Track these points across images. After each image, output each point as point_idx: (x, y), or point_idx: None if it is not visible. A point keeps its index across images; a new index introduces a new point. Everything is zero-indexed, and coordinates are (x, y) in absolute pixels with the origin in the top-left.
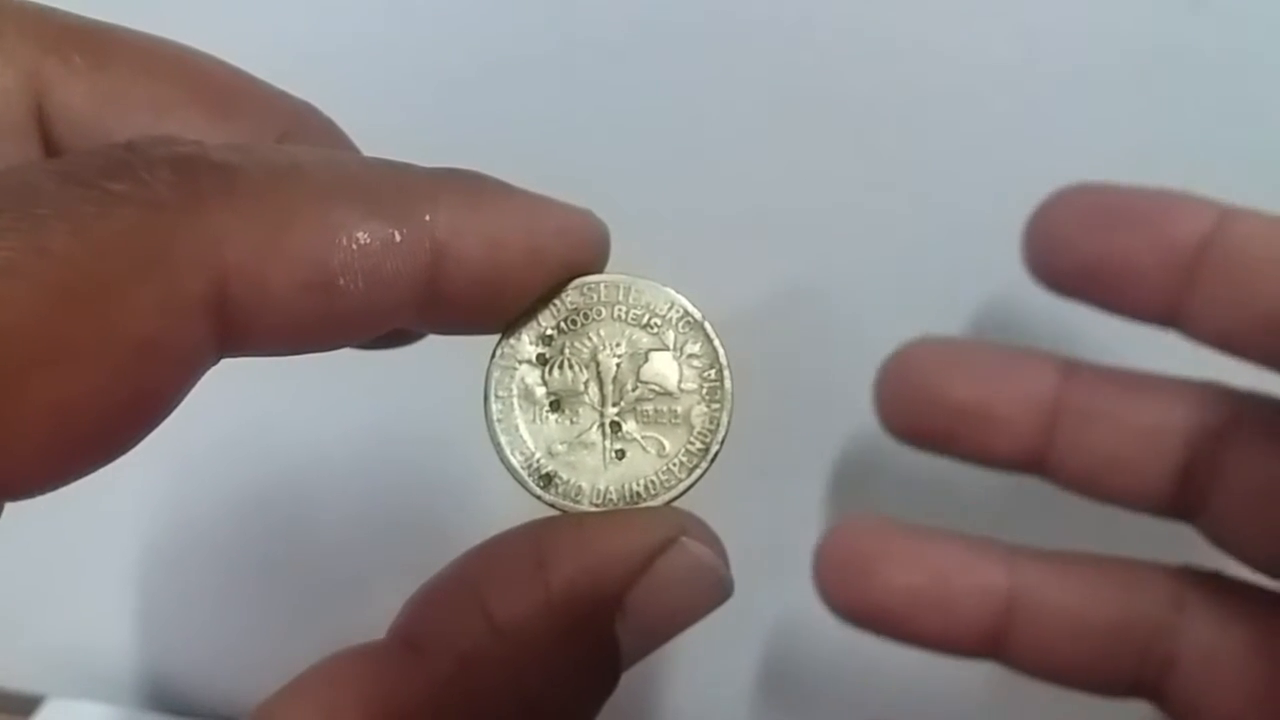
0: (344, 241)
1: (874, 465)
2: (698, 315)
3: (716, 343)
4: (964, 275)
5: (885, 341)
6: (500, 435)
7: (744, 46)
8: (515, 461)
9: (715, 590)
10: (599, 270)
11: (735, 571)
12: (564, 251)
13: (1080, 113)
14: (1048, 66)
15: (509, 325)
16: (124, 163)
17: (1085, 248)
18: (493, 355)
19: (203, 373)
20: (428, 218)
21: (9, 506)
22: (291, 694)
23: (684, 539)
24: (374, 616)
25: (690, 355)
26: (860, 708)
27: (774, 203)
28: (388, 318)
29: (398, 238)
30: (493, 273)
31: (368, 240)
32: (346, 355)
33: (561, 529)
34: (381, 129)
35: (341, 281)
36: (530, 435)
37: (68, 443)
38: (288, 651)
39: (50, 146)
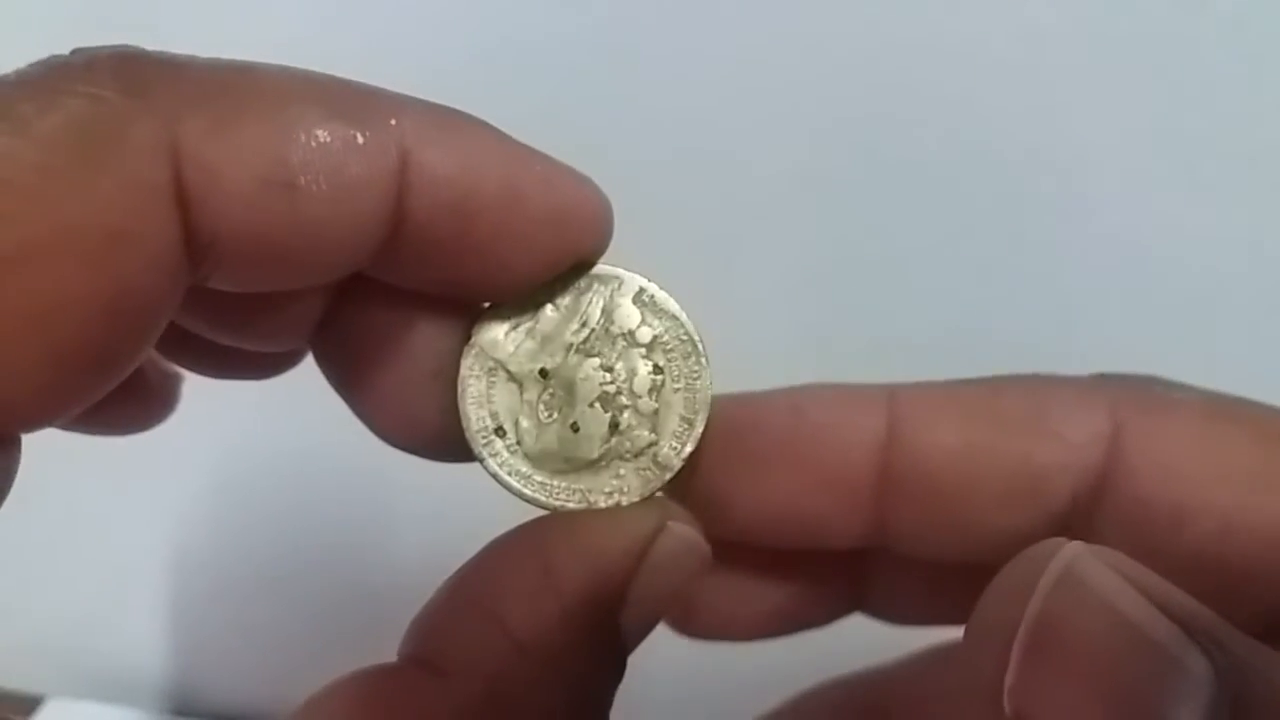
0: (302, 137)
1: None
2: (697, 341)
3: (708, 382)
4: (964, 275)
5: (886, 339)
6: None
7: (744, 46)
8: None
9: (700, 567)
10: (596, 242)
11: None
12: (548, 202)
13: (1080, 113)
14: (1048, 66)
15: (489, 311)
16: (64, 64)
17: (743, 499)
18: (470, 339)
19: (179, 280)
20: (393, 123)
21: (9, 505)
22: (309, 718)
23: (670, 522)
24: (377, 617)
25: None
26: None
27: (774, 202)
28: (353, 237)
29: (360, 139)
30: (464, 201)
31: (328, 138)
32: None
33: (559, 532)
34: None
35: (302, 180)
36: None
37: (59, 349)
38: (288, 652)
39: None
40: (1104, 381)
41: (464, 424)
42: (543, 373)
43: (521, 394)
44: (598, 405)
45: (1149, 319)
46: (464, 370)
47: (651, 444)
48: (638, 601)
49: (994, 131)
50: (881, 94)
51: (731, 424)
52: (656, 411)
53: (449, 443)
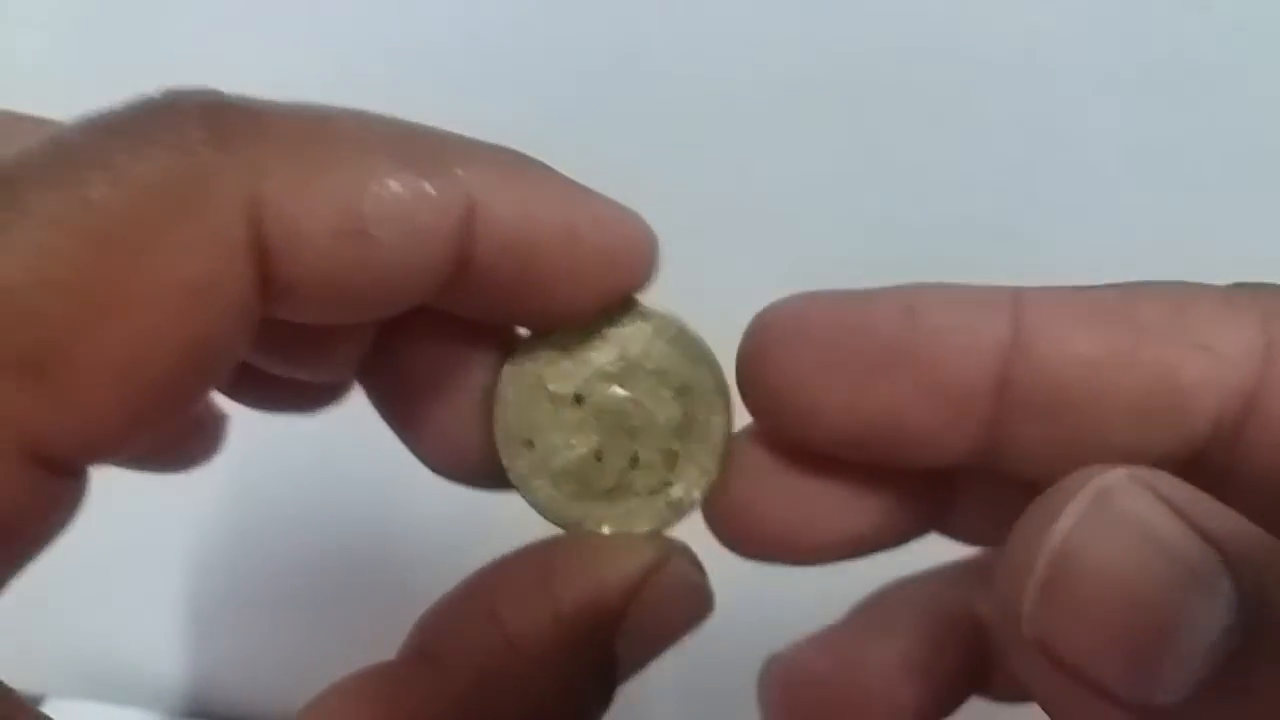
0: (376, 189)
1: None
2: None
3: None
4: (962, 273)
5: None
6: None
7: (745, 47)
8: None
9: (700, 606)
10: (644, 276)
11: (731, 586)
12: (602, 242)
13: (1080, 112)
14: (1049, 66)
15: (540, 334)
16: (153, 110)
17: (840, 404)
18: (514, 356)
19: (253, 325)
20: (461, 173)
21: None
22: (313, 715)
23: (674, 558)
24: (379, 618)
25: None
26: None
27: (773, 201)
28: (420, 279)
29: (430, 190)
30: (525, 244)
31: (400, 190)
32: None
33: (569, 548)
34: None
35: (374, 230)
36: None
37: (134, 395)
38: (289, 652)
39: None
40: (1252, 290)
41: (496, 432)
42: (577, 398)
43: (554, 414)
44: (623, 437)
45: None
46: (503, 383)
47: (666, 485)
48: (633, 630)
49: (994, 131)
50: (881, 94)
51: (834, 323)
52: (677, 455)
53: (493, 472)
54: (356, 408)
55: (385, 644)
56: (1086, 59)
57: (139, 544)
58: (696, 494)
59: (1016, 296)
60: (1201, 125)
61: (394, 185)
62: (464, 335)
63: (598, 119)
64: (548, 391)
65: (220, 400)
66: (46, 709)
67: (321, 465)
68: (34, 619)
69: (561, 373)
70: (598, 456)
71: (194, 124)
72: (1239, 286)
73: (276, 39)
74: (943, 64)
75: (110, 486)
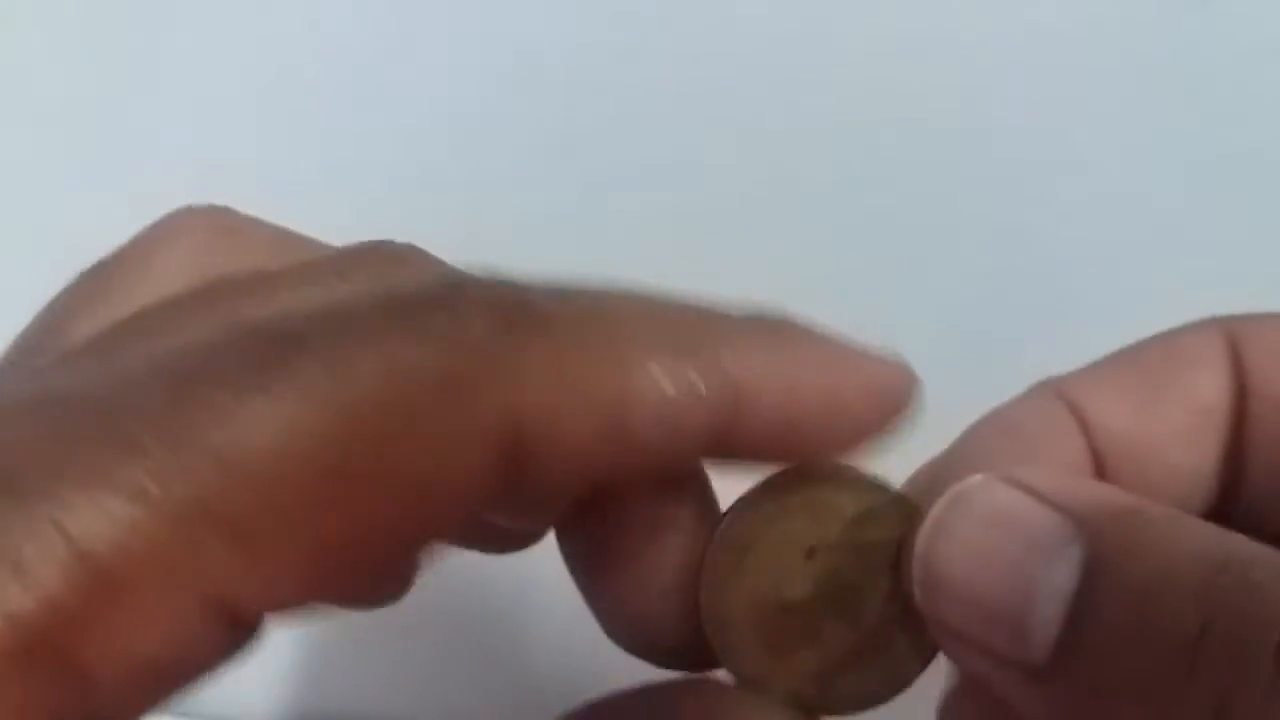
0: (644, 385)
1: None
2: None
3: None
4: (964, 275)
5: (885, 338)
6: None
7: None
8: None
9: None
10: (899, 425)
11: None
12: (867, 411)
13: (1081, 112)
14: (1048, 66)
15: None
16: (443, 299)
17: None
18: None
19: (478, 511)
20: (728, 358)
21: None
22: None
23: None
24: (380, 618)
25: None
26: None
27: (773, 201)
28: (673, 465)
29: (700, 388)
30: (786, 424)
31: (669, 389)
32: None
33: (694, 706)
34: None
35: (639, 430)
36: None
37: (340, 574)
38: (288, 653)
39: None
40: (1206, 319)
41: (712, 601)
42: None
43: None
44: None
45: (1148, 319)
46: (731, 542)
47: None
48: None
49: (994, 131)
50: (881, 94)
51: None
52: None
53: (685, 648)
54: None
55: (385, 643)
56: (1086, 59)
57: None
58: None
59: (1056, 388)
60: (1201, 125)
61: (664, 382)
62: (673, 503)
63: (598, 118)
64: (800, 549)
65: None
66: None
67: None
68: None
69: (808, 530)
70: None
71: (478, 320)
72: (1199, 320)
73: (280, 40)
74: (943, 64)
75: None
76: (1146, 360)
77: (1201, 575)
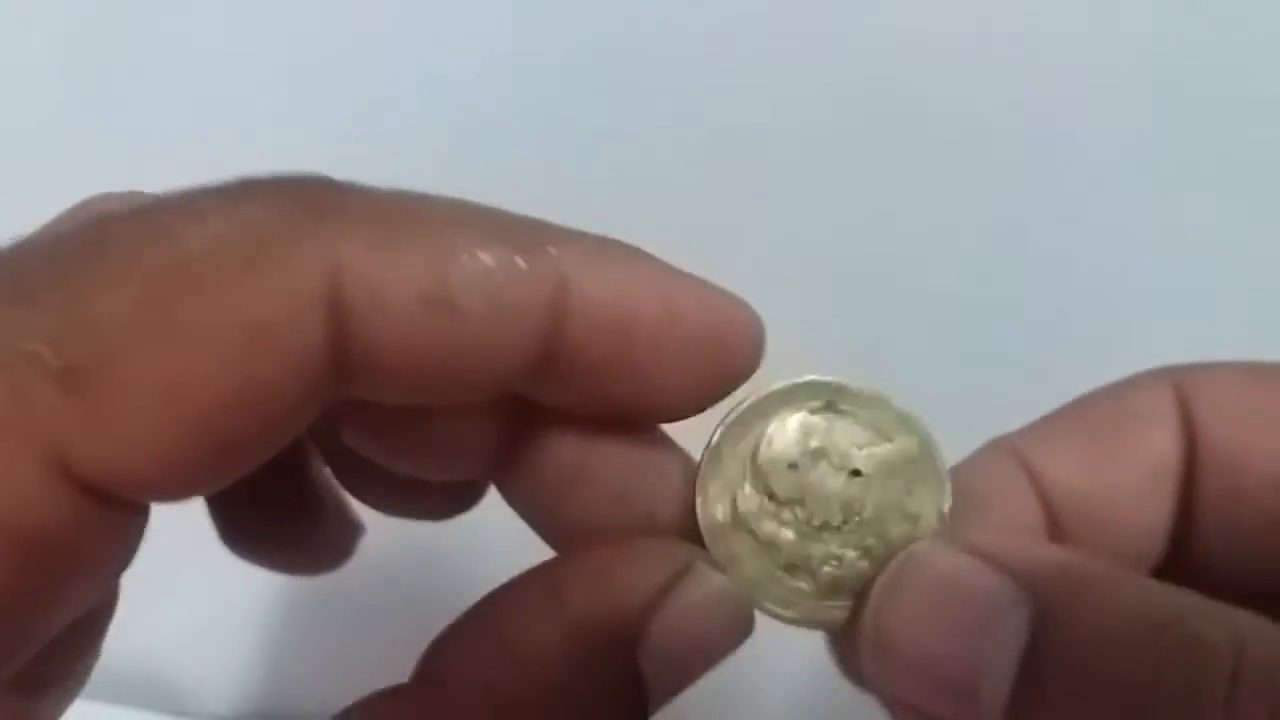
0: (464, 259)
1: None
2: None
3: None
4: (963, 275)
5: (884, 338)
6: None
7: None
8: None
9: (736, 620)
10: (749, 362)
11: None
12: (701, 322)
13: (1080, 112)
14: (1048, 66)
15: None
16: (254, 179)
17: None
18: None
19: (322, 388)
20: (553, 250)
21: None
22: None
23: (699, 564)
24: (379, 619)
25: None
26: None
27: (772, 201)
28: (509, 356)
29: (520, 263)
30: (620, 324)
31: (489, 261)
32: None
33: (574, 561)
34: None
35: (462, 300)
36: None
37: (184, 427)
38: (288, 652)
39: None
40: (1155, 370)
41: (706, 515)
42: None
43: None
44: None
45: (1148, 319)
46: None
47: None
48: (659, 646)
49: (994, 131)
50: (881, 93)
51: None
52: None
53: None
54: None
55: (384, 643)
56: (1086, 59)
57: (140, 544)
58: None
59: (1008, 447)
60: (1201, 125)
61: (483, 256)
62: (593, 430)
63: (596, 121)
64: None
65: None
66: None
67: None
68: None
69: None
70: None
71: (286, 191)
72: (1148, 371)
73: (277, 41)
74: (943, 64)
75: None
76: (1098, 417)
77: (1148, 632)
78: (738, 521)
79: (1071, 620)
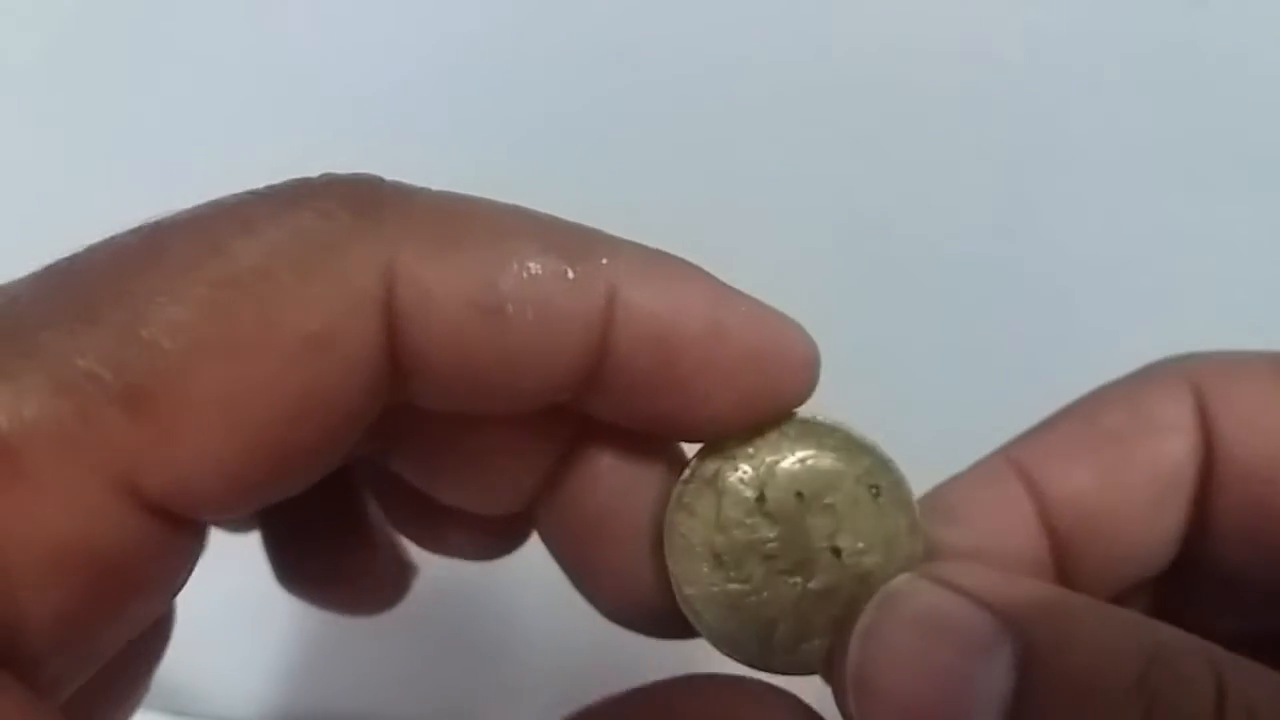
0: (514, 267)
1: None
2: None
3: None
4: (964, 274)
5: (885, 337)
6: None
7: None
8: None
9: None
10: (799, 385)
11: None
12: (750, 341)
13: (1080, 113)
14: (1048, 66)
15: (700, 446)
16: (306, 183)
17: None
18: (674, 490)
19: (378, 394)
20: (604, 261)
21: None
22: None
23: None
24: (380, 620)
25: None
26: None
27: (771, 201)
28: (557, 366)
29: (570, 273)
30: (668, 338)
31: (539, 270)
32: None
33: (694, 703)
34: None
35: (511, 308)
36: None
37: (247, 440)
38: (288, 652)
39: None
40: (1168, 362)
41: (669, 553)
42: (765, 512)
43: (740, 530)
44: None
45: (1148, 319)
46: (680, 501)
47: (876, 567)
48: None
49: (994, 131)
50: (883, 95)
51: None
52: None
53: (668, 617)
54: None
55: (384, 642)
56: (1086, 59)
57: None
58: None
59: (1011, 459)
60: (1201, 124)
61: (534, 266)
62: (640, 466)
63: (595, 119)
64: (730, 505)
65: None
66: None
67: None
68: None
69: (744, 484)
70: (783, 571)
71: (339, 195)
72: (1161, 363)
73: (275, 40)
74: (943, 64)
75: None
76: (1109, 425)
77: (1134, 669)
78: (715, 565)
79: (1057, 658)
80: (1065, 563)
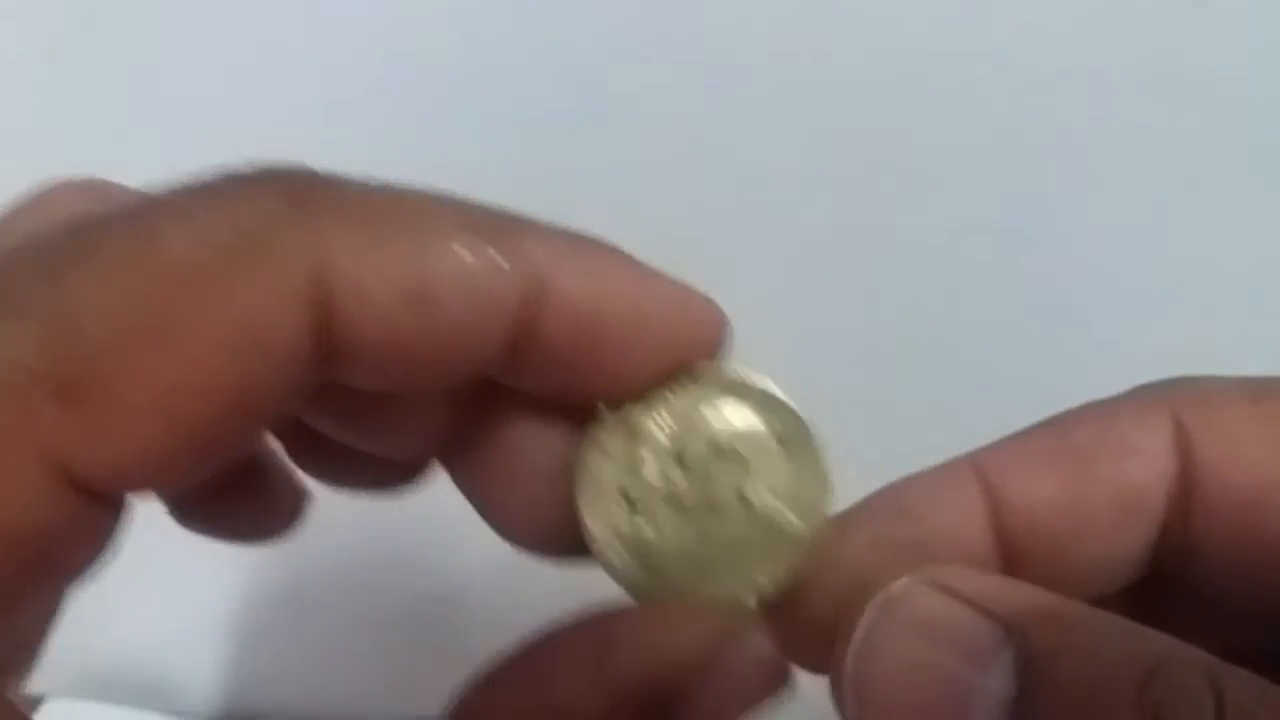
0: (445, 257)
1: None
2: (809, 429)
3: (827, 469)
4: (964, 274)
5: (886, 337)
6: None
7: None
8: (598, 531)
9: (775, 686)
10: (710, 355)
11: None
12: (674, 320)
13: (1080, 112)
14: (1048, 66)
15: (613, 403)
16: (235, 176)
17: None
18: (590, 429)
19: (306, 380)
20: (531, 247)
21: None
22: None
23: (747, 632)
24: (380, 617)
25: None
26: None
27: (775, 200)
28: (484, 350)
29: (497, 259)
30: (593, 322)
31: (469, 258)
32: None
33: (624, 621)
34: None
35: (441, 296)
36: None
37: (173, 428)
38: (289, 652)
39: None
40: (1152, 388)
41: (580, 495)
42: (678, 457)
43: (650, 475)
44: (719, 508)
45: (1149, 319)
46: (593, 444)
47: (782, 524)
48: (703, 708)
49: (994, 131)
50: (883, 96)
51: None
52: (776, 528)
53: (573, 545)
54: None
55: (385, 642)
56: (1086, 59)
57: (139, 544)
58: (809, 524)
59: (975, 464)
60: (1201, 124)
61: (464, 254)
62: (539, 411)
63: (595, 119)
64: (645, 450)
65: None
66: (47, 709)
67: None
68: None
69: (662, 433)
70: (692, 524)
71: (272, 188)
72: (1141, 388)
73: (273, 40)
74: (943, 64)
75: None
76: (1078, 441)
77: (1135, 680)
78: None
79: (1058, 668)
80: (1013, 571)
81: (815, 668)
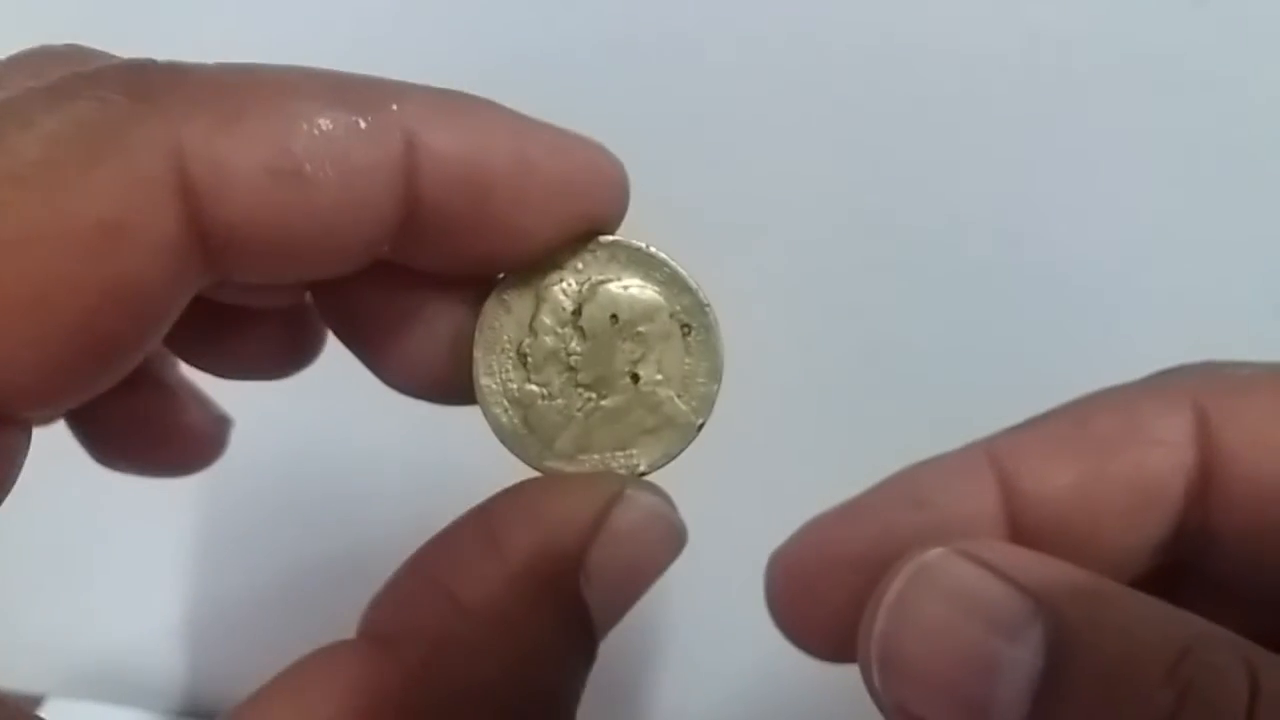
0: (305, 127)
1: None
2: (705, 305)
3: (718, 345)
4: (963, 273)
5: (886, 337)
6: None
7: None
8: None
9: (671, 538)
10: (611, 205)
11: (729, 567)
12: (561, 165)
13: (1080, 112)
14: (1048, 66)
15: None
16: (77, 74)
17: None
18: (496, 289)
19: (187, 276)
20: (395, 107)
21: (9, 505)
22: (265, 697)
23: (630, 491)
24: (351, 613)
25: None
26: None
27: (777, 198)
28: (366, 222)
29: (363, 124)
30: (475, 177)
31: (331, 126)
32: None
33: (507, 502)
34: None
35: (309, 168)
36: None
37: (55, 333)
38: (288, 651)
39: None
40: (1174, 375)
41: (477, 348)
42: (575, 313)
43: (547, 333)
44: (623, 352)
45: (1149, 318)
46: (496, 302)
47: (668, 409)
48: (600, 573)
49: (994, 131)
50: (883, 95)
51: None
52: (661, 402)
53: (460, 395)
54: (358, 413)
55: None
56: (1087, 59)
57: (139, 544)
58: (699, 408)
59: (989, 450)
60: (1201, 124)
61: (325, 123)
62: (447, 284)
63: (595, 119)
64: (546, 313)
65: (224, 406)
66: (46, 709)
67: (324, 467)
68: (34, 619)
69: (558, 303)
70: (578, 384)
71: (114, 80)
72: (1165, 373)
73: (271, 40)
74: (943, 63)
75: (109, 486)
76: (1098, 430)
77: (1167, 659)
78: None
79: (1089, 644)
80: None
81: (826, 652)
